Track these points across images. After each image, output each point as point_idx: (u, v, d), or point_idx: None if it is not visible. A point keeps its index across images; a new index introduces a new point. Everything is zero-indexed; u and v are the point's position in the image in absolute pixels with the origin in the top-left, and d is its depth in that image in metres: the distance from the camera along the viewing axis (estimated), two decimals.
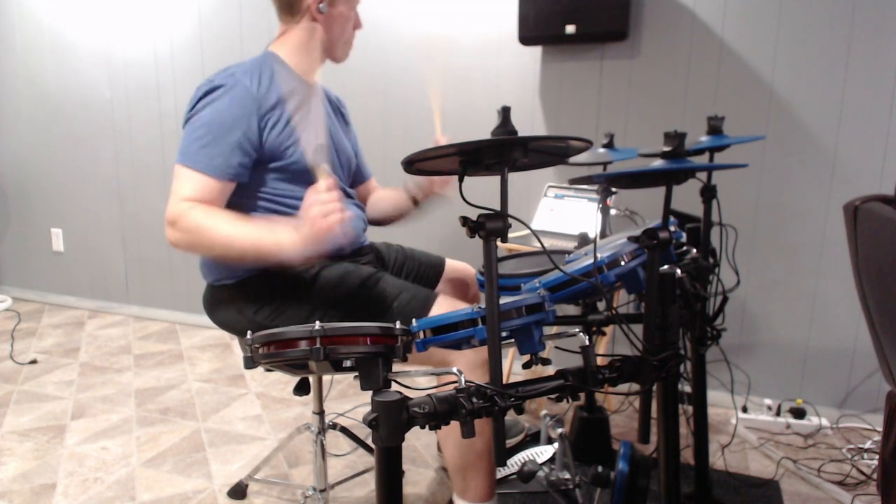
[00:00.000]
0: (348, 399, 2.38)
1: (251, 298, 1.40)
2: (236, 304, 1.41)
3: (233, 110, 1.33)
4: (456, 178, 1.58)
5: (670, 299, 1.03)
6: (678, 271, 1.05)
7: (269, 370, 1.09)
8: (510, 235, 2.12)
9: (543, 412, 1.69)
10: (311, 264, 1.41)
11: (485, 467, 1.32)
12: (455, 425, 1.28)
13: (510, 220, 0.88)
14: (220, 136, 1.31)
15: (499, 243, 0.89)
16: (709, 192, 1.52)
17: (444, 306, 1.35)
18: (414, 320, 0.94)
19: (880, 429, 1.54)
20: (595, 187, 2.10)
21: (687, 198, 2.20)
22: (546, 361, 0.98)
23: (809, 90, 2.10)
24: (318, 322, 0.94)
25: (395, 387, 0.93)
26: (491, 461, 1.32)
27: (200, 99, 1.36)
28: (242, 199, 1.40)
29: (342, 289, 1.38)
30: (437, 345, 0.94)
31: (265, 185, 1.41)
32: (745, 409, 2.19)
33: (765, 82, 2.15)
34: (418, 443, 2.05)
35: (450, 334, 0.92)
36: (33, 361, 2.74)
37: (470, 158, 0.88)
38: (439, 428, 0.89)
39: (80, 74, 3.27)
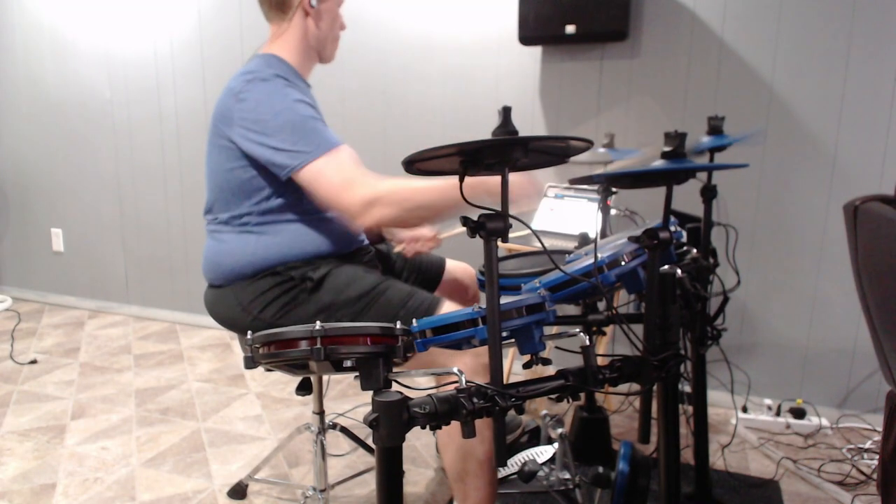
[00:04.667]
0: (348, 399, 2.38)
1: (257, 298, 1.41)
2: (241, 304, 1.42)
3: (303, 101, 1.38)
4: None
5: (670, 299, 1.03)
6: (678, 271, 1.05)
7: (269, 370, 1.09)
8: (510, 235, 2.12)
9: (543, 412, 1.69)
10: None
11: (485, 476, 1.31)
12: (454, 434, 1.28)
13: (510, 220, 0.87)
14: (314, 119, 1.37)
15: (499, 243, 0.89)
16: (709, 192, 1.52)
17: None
18: (414, 320, 0.94)
19: (880, 429, 1.54)
20: (595, 187, 2.10)
21: (687, 198, 2.20)
22: (546, 361, 0.98)
23: (809, 90, 2.10)
24: (318, 322, 0.94)
25: (395, 387, 0.93)
26: (491, 469, 1.32)
27: (253, 107, 1.37)
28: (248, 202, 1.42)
29: (349, 292, 1.39)
30: (437, 345, 0.94)
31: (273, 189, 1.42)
32: (745, 409, 2.19)
33: (765, 82, 2.15)
34: (418, 443, 2.05)
35: (450, 334, 0.91)
36: (33, 361, 2.74)
37: (470, 158, 0.88)
38: (440, 428, 0.89)
39: (79, 74, 3.27)
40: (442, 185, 1.31)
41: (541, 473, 1.59)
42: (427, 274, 1.73)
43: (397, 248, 1.66)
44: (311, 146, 1.34)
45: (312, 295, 1.38)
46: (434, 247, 1.68)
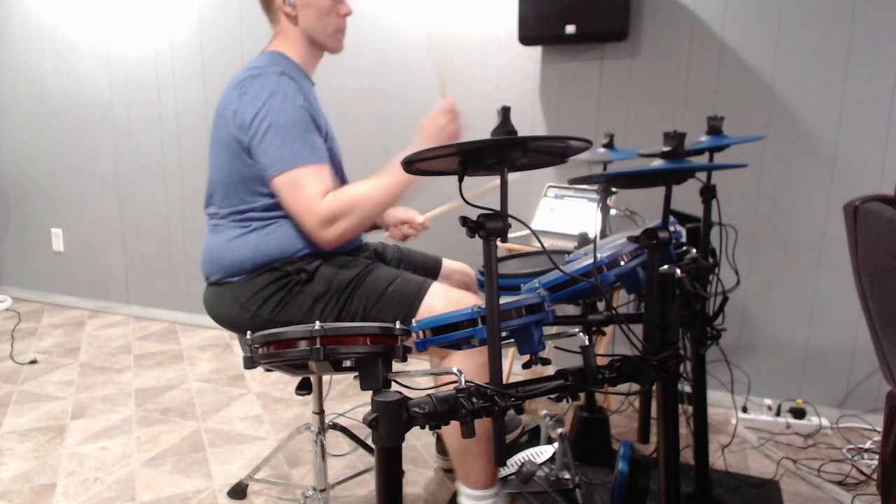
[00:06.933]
0: (348, 399, 2.38)
1: (254, 295, 1.41)
2: (239, 301, 1.42)
3: (301, 105, 1.38)
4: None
5: (670, 299, 1.03)
6: (678, 271, 1.05)
7: (268, 370, 1.10)
8: (510, 235, 2.12)
9: (543, 412, 1.69)
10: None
11: (485, 453, 1.32)
12: None
13: (510, 220, 0.88)
14: (306, 128, 1.37)
15: (499, 243, 0.89)
16: (709, 192, 1.52)
17: (440, 292, 1.36)
18: (414, 320, 0.94)
19: (880, 429, 1.54)
20: (595, 187, 2.10)
21: (687, 198, 2.19)
22: (546, 361, 0.98)
23: (809, 90, 2.10)
24: (317, 322, 0.94)
25: (395, 387, 0.93)
26: (491, 447, 1.32)
27: (249, 103, 1.37)
28: (251, 197, 1.42)
29: (339, 278, 1.41)
30: (437, 345, 0.94)
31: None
32: (745, 409, 2.19)
33: (765, 82, 2.15)
34: (418, 443, 2.05)
35: (450, 334, 0.92)
36: (33, 361, 2.74)
37: (470, 158, 0.88)
38: (439, 428, 0.89)
39: (80, 74, 3.27)
40: (385, 183, 1.39)
41: (540, 473, 1.59)
42: (423, 272, 1.73)
43: (385, 235, 1.69)
44: (291, 155, 1.34)
45: (306, 286, 1.40)
46: (419, 231, 1.71)
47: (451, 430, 1.32)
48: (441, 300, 1.34)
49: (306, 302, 1.39)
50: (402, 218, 1.71)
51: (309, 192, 1.35)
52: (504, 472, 1.78)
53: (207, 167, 1.51)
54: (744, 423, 2.16)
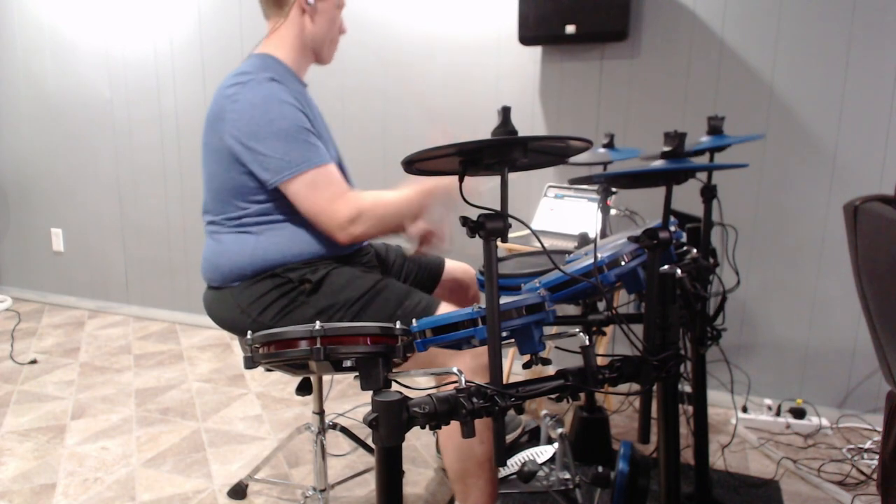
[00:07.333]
0: (348, 399, 2.38)
1: (256, 300, 1.40)
2: (240, 306, 1.42)
3: (297, 108, 1.38)
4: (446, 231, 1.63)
5: (670, 299, 1.03)
6: (678, 271, 1.05)
7: (269, 370, 1.10)
8: (510, 235, 2.12)
9: (543, 412, 1.69)
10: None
11: (485, 475, 1.32)
12: (454, 434, 1.29)
13: (510, 220, 0.88)
14: (307, 132, 1.38)
15: (499, 243, 0.89)
16: (709, 192, 1.52)
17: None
18: (414, 320, 0.94)
19: (880, 429, 1.54)
20: (595, 187, 2.10)
21: (687, 198, 2.20)
22: (546, 361, 0.98)
23: (809, 90, 2.10)
24: (318, 322, 0.94)
25: (395, 387, 0.93)
26: (491, 469, 1.32)
27: (246, 110, 1.36)
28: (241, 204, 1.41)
29: (347, 293, 1.39)
30: (437, 345, 0.94)
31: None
32: (745, 409, 2.19)
33: (765, 82, 2.15)
34: (418, 443, 2.05)
35: (450, 334, 0.91)
36: (33, 361, 2.74)
37: (470, 158, 0.88)
38: (439, 428, 0.89)
39: (80, 74, 3.27)
40: (407, 196, 1.38)
41: (541, 473, 1.59)
42: (426, 274, 1.73)
43: (411, 254, 1.66)
44: (301, 158, 1.34)
45: (311, 297, 1.38)
46: (444, 248, 1.69)
47: (449, 454, 1.32)
48: None
49: (309, 313, 1.37)
50: (424, 232, 1.67)
51: (327, 193, 1.35)
52: (504, 472, 1.78)
53: (202, 175, 1.51)
54: (744, 423, 2.16)
